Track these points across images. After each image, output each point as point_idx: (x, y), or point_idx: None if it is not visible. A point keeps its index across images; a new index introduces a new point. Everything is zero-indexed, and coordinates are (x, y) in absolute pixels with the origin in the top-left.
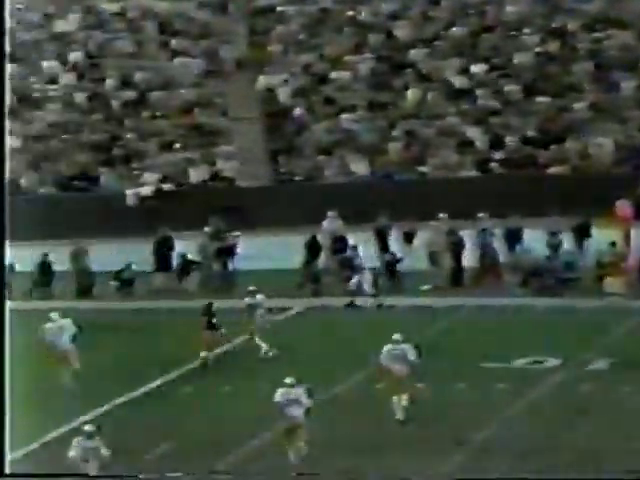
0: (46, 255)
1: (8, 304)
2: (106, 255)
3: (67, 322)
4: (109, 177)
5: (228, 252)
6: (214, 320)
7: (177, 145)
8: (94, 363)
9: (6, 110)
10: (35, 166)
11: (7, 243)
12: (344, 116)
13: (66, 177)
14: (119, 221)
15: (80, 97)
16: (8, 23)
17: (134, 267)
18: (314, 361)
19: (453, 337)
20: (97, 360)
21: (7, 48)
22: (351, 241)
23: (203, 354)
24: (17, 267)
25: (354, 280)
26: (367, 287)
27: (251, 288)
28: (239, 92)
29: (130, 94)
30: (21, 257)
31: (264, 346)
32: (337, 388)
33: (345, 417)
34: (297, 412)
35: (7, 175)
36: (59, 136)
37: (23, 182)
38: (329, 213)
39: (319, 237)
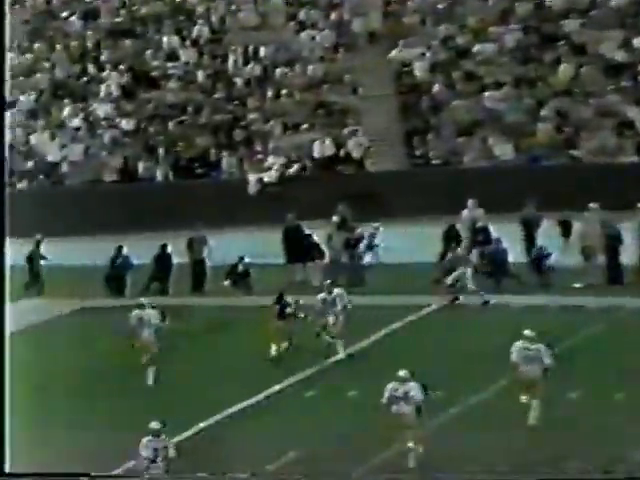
0: (164, 246)
1: (8, 304)
2: (223, 246)
3: (153, 313)
4: (230, 161)
5: (356, 243)
6: (288, 309)
7: (303, 126)
8: (209, 364)
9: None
10: (151, 150)
11: (7, 241)
12: (487, 93)
13: (184, 162)
14: (239, 210)
15: (201, 75)
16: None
17: (247, 260)
18: (447, 365)
19: (609, 341)
20: (212, 361)
21: (7, 44)
22: (494, 233)
23: (274, 348)
24: (135, 260)
25: (455, 274)
26: (469, 282)
27: (328, 282)
28: (371, 67)
29: (254, 71)
30: (138, 248)
31: (340, 349)
32: (476, 396)
33: (486, 426)
34: (406, 409)
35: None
36: (178, 117)
37: (140, 168)
38: (469, 201)
39: (458, 227)
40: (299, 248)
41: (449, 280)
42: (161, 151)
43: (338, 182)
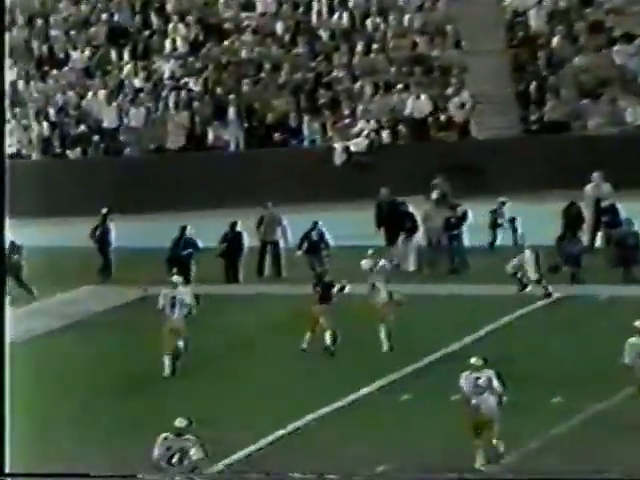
0: (234, 225)
1: (8, 303)
2: (302, 227)
3: (186, 292)
4: (312, 127)
5: (459, 223)
6: (332, 291)
7: (397, 86)
8: (290, 361)
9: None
10: (222, 114)
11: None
12: (616, 48)
13: (260, 127)
14: (321, 183)
15: (279, 27)
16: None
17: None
18: (565, 365)
19: None
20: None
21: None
22: (623, 213)
23: (308, 337)
24: (200, 244)
25: (514, 262)
26: (530, 271)
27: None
28: (478, 17)
29: (340, 22)
30: (203, 228)
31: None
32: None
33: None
34: (488, 402)
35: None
36: (253, 76)
37: (209, 135)
38: (594, 174)
39: (580, 205)
40: (395, 228)
41: (509, 268)
42: (233, 115)
43: (437, 151)
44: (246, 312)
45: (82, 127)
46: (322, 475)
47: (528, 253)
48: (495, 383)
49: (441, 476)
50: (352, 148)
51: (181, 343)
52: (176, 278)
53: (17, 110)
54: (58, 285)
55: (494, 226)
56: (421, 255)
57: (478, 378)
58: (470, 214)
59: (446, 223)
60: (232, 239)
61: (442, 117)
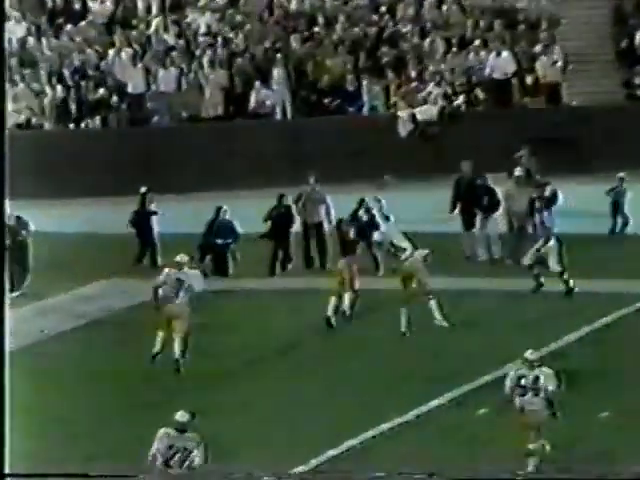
0: (282, 197)
1: (8, 300)
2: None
3: (195, 276)
4: (373, 91)
5: (548, 205)
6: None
7: (475, 42)
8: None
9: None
10: (266, 76)
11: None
12: None
13: (311, 91)
14: (383, 157)
15: None
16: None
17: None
18: None
19: None
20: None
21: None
22: None
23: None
24: (239, 229)
25: (532, 250)
26: (551, 262)
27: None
28: None
29: None
30: (243, 210)
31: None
32: None
33: None
34: (536, 402)
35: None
36: (304, 31)
37: (251, 100)
38: None
39: None
40: (474, 209)
41: (526, 260)
42: (279, 77)
43: (522, 120)
44: (293, 312)
45: (102, 92)
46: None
47: (553, 242)
48: (543, 382)
49: None
50: (420, 116)
51: (178, 342)
52: (181, 257)
53: (26, 72)
54: (72, 278)
55: (615, 209)
56: (504, 242)
57: (522, 377)
58: (560, 195)
59: (531, 205)
60: (280, 216)
61: (528, 79)
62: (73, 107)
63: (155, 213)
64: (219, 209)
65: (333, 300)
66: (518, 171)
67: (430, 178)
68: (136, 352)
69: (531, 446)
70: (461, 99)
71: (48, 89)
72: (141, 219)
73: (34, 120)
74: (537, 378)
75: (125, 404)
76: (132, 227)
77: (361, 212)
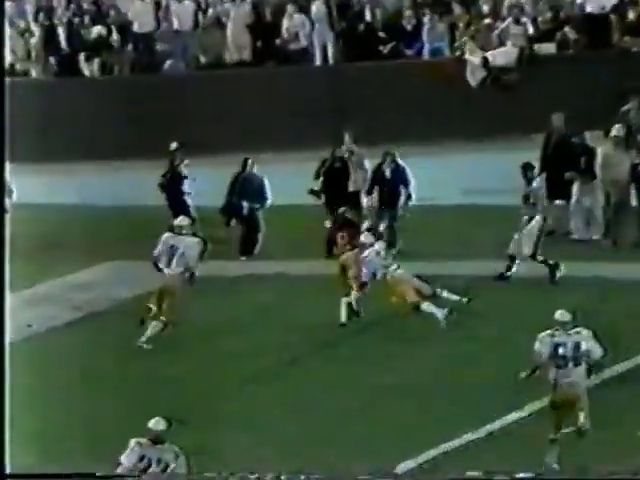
0: (335, 149)
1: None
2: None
3: (192, 244)
4: (436, 30)
5: None
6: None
7: None
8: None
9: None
10: (303, 13)
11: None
12: None
13: (358, 30)
14: (447, 113)
15: None
16: None
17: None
18: None
19: None
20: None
21: None
22: None
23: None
24: (269, 193)
25: (516, 237)
26: (526, 247)
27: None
28: None
29: None
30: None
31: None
32: None
33: None
34: (573, 375)
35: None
36: None
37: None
38: None
39: None
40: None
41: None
42: (319, 12)
43: (623, 65)
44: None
45: (101, 30)
46: None
47: (538, 219)
48: (585, 347)
49: None
50: (495, 61)
51: (156, 323)
52: (181, 219)
53: (9, 4)
54: (66, 261)
55: None
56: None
57: (559, 345)
58: None
59: (633, 171)
60: (335, 170)
61: (631, 14)
62: (66, 50)
63: (186, 177)
64: (246, 160)
65: (345, 302)
66: (617, 130)
67: (507, 137)
68: (144, 351)
69: (556, 434)
70: (546, 40)
71: (35, 27)
72: (171, 183)
73: (18, 66)
74: (578, 345)
75: (133, 414)
76: (162, 192)
77: (385, 165)
